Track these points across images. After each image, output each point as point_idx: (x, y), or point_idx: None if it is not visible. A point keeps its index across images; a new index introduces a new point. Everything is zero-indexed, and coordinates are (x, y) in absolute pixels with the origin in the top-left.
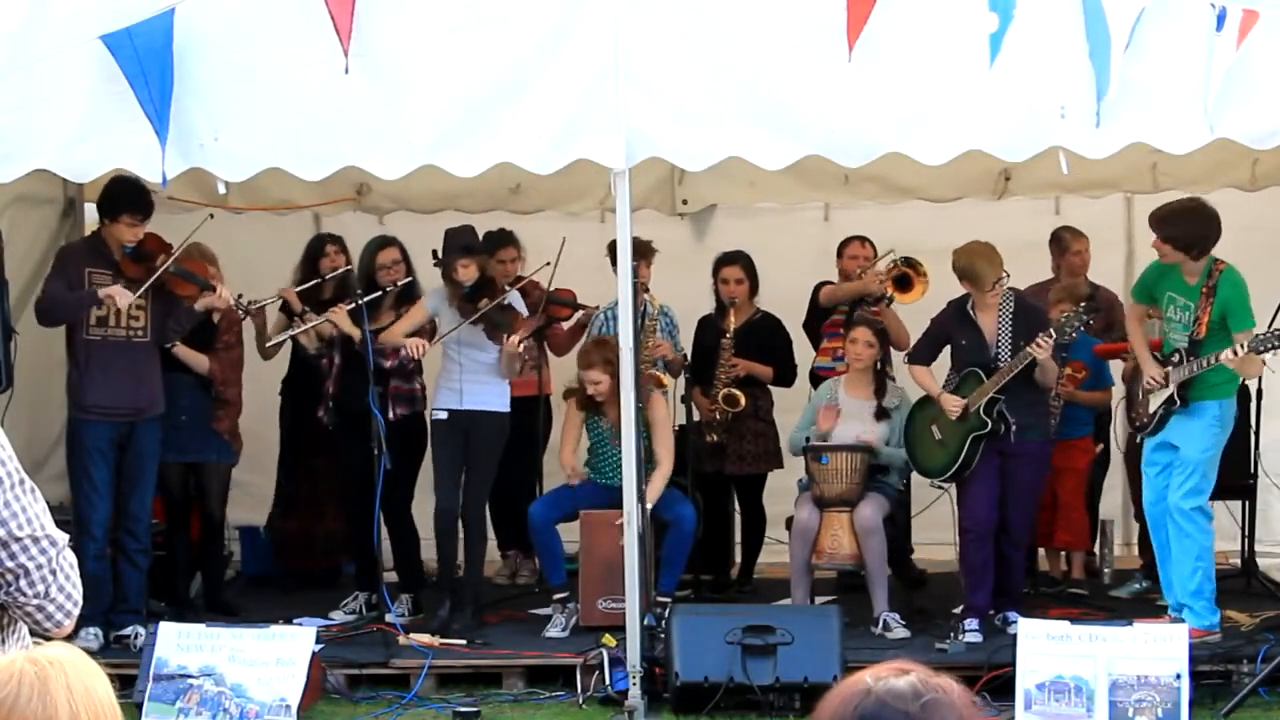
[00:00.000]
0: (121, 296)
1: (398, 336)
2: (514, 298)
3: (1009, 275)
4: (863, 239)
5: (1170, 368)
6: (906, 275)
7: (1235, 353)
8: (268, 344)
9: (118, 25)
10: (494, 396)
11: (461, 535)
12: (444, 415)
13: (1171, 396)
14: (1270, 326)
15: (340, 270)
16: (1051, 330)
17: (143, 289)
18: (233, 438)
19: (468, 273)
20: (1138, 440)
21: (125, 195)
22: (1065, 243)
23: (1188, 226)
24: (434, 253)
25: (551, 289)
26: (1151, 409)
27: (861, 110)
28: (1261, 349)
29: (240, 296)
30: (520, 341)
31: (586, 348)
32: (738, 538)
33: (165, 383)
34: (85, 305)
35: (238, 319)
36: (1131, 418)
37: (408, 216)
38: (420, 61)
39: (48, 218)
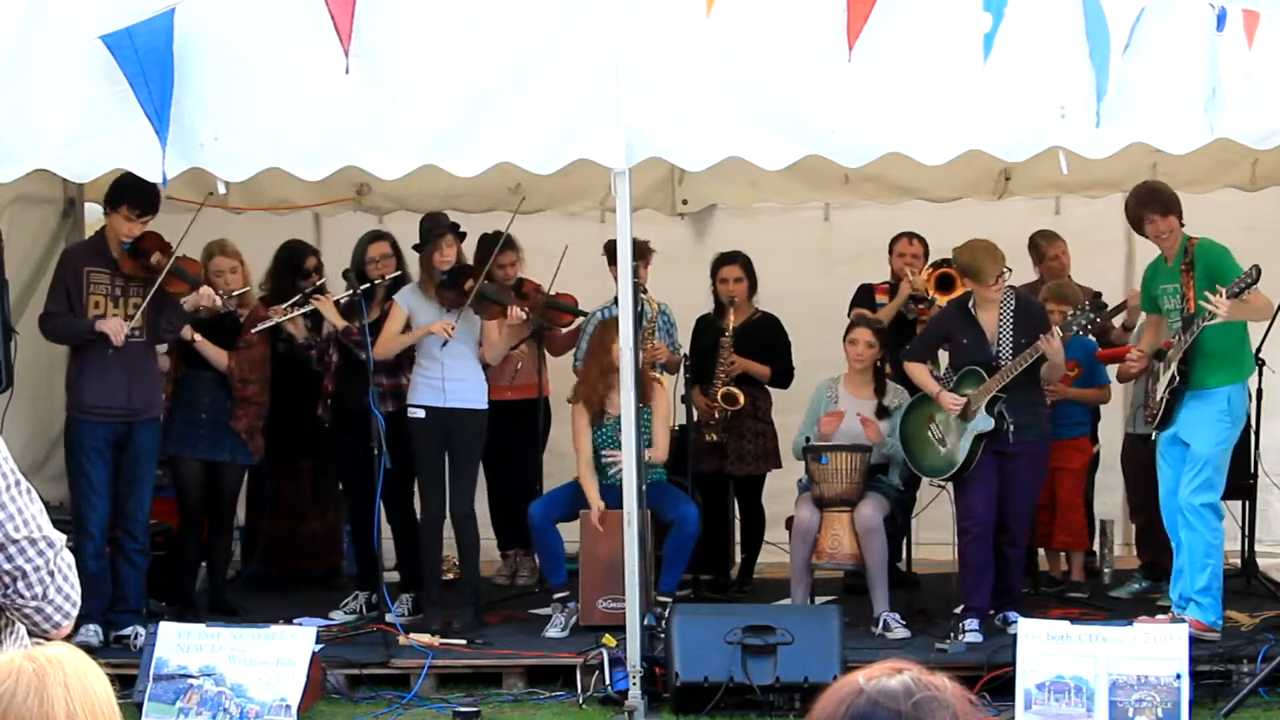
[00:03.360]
0: (115, 333)
1: (398, 339)
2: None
3: (1010, 271)
4: (911, 236)
5: (1170, 351)
6: (948, 276)
7: (1217, 299)
8: (253, 330)
9: (118, 25)
10: (475, 394)
11: (454, 538)
12: (422, 413)
13: (1173, 376)
14: (1270, 327)
15: (318, 284)
16: (1057, 329)
17: (148, 297)
18: (250, 437)
19: (451, 253)
20: (1152, 436)
21: (129, 188)
22: (1041, 250)
23: (1171, 194)
24: (421, 236)
25: (553, 293)
26: (1158, 396)
27: (861, 110)
28: (1239, 290)
29: (230, 295)
30: (519, 312)
31: (606, 322)
32: (738, 538)
33: (187, 380)
34: (81, 335)
35: (260, 316)
36: (1147, 418)
37: (408, 216)
38: (420, 61)
39: (48, 218)
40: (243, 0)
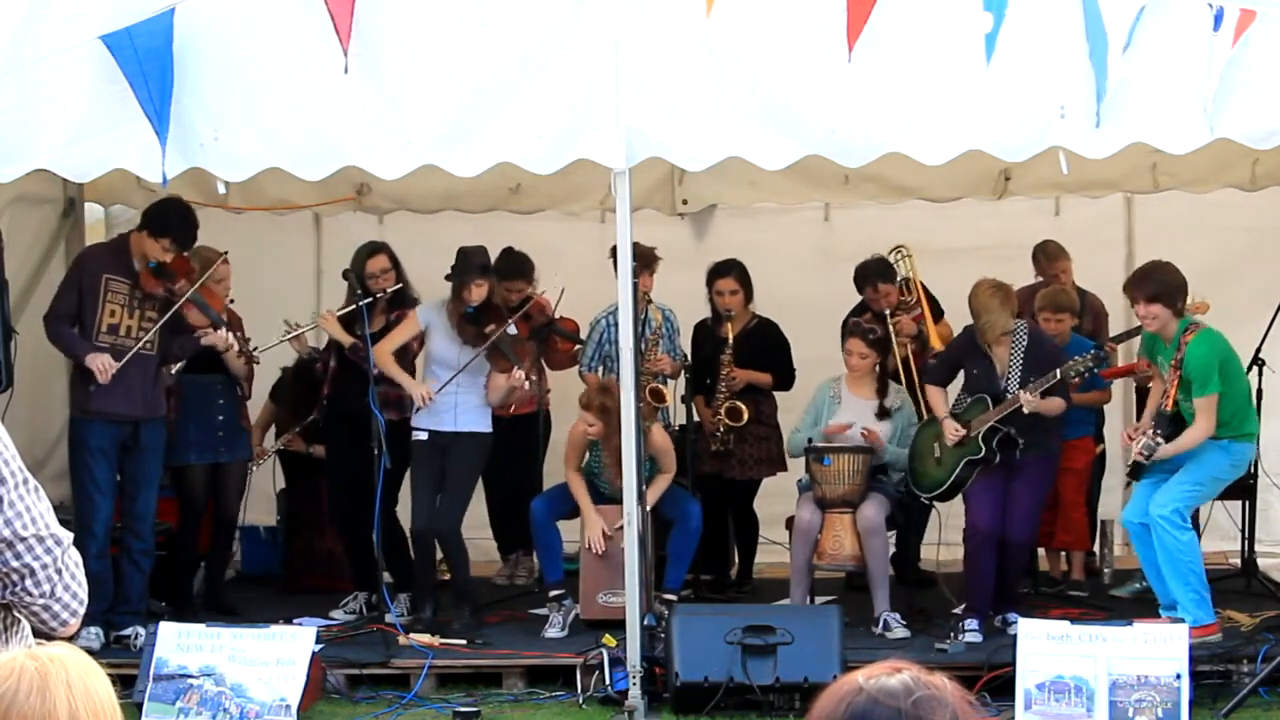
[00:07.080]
0: (102, 373)
1: (391, 364)
2: (512, 328)
3: (1018, 320)
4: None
5: (1149, 430)
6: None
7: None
8: (258, 349)
9: (118, 25)
10: (477, 419)
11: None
12: (424, 435)
13: (1137, 460)
14: (1270, 327)
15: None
16: (1054, 373)
17: (161, 320)
18: (249, 433)
19: (479, 292)
20: (1126, 485)
21: (178, 222)
22: (1042, 265)
23: (1164, 278)
24: (452, 268)
25: (556, 315)
26: (1130, 460)
27: (861, 110)
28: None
29: (248, 341)
30: (524, 377)
31: (589, 391)
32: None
33: (193, 387)
34: (71, 355)
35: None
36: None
37: (408, 216)
38: (420, 61)
39: (48, 218)
40: (243, 0)
